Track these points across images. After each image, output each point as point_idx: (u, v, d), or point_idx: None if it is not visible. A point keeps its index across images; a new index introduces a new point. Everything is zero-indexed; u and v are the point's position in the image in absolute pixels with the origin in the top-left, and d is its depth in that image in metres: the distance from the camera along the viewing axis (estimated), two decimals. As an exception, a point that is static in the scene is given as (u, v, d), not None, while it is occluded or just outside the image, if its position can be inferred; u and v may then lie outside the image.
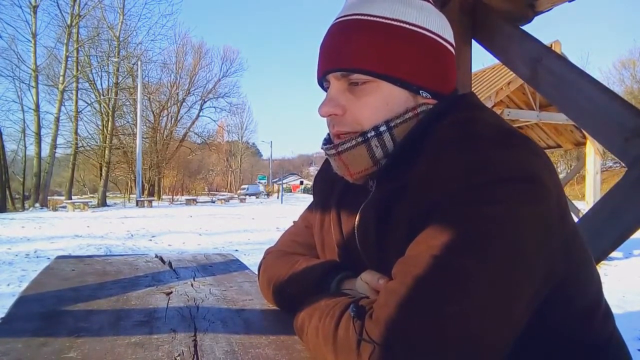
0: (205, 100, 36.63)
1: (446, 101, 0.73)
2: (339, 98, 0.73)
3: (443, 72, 0.74)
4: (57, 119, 23.47)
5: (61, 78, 23.70)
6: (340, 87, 0.73)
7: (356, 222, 0.76)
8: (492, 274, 0.55)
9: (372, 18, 0.71)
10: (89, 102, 27.57)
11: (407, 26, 0.71)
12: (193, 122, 36.27)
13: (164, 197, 33.31)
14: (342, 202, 0.82)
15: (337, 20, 0.75)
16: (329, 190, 0.86)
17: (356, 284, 0.73)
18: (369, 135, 0.71)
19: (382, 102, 0.71)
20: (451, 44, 0.76)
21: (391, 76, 0.70)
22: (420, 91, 0.72)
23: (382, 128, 0.71)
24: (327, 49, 0.74)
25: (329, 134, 0.78)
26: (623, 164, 1.37)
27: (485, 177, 0.58)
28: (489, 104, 6.86)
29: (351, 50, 0.71)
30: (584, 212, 3.17)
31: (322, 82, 0.77)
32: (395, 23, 0.71)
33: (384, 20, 0.71)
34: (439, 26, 0.74)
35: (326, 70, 0.74)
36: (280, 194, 37.22)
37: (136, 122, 25.55)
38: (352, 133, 0.73)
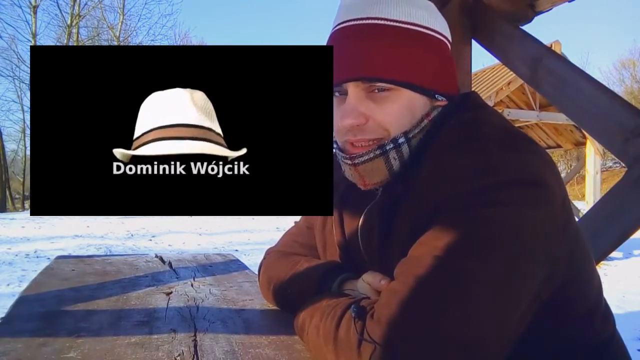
0: (205, 100, 36.65)
1: (452, 102, 0.73)
2: (359, 107, 0.69)
3: (452, 73, 0.74)
4: (57, 119, 23.40)
5: (61, 78, 23.65)
6: (359, 95, 0.70)
7: (360, 224, 0.76)
8: (495, 276, 0.55)
9: (390, 23, 0.69)
10: (89, 102, 27.54)
11: (424, 30, 0.70)
12: (193, 122, 36.28)
13: (163, 197, 33.23)
14: (344, 203, 0.81)
15: (350, 24, 0.71)
16: None
17: (358, 284, 0.73)
18: (387, 147, 0.69)
19: (405, 109, 0.69)
20: (451, 43, 0.76)
21: (413, 83, 0.69)
22: (436, 95, 0.72)
23: (401, 140, 0.69)
24: (344, 55, 0.69)
25: (335, 142, 0.75)
26: (623, 164, 1.37)
27: (490, 180, 0.58)
28: (489, 104, 6.85)
29: (373, 58, 0.68)
30: (584, 212, 3.17)
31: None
32: (413, 27, 0.70)
33: (402, 25, 0.69)
34: (443, 26, 0.74)
35: (346, 79, 0.69)
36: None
37: (136, 122, 25.47)
38: (377, 140, 0.70)
